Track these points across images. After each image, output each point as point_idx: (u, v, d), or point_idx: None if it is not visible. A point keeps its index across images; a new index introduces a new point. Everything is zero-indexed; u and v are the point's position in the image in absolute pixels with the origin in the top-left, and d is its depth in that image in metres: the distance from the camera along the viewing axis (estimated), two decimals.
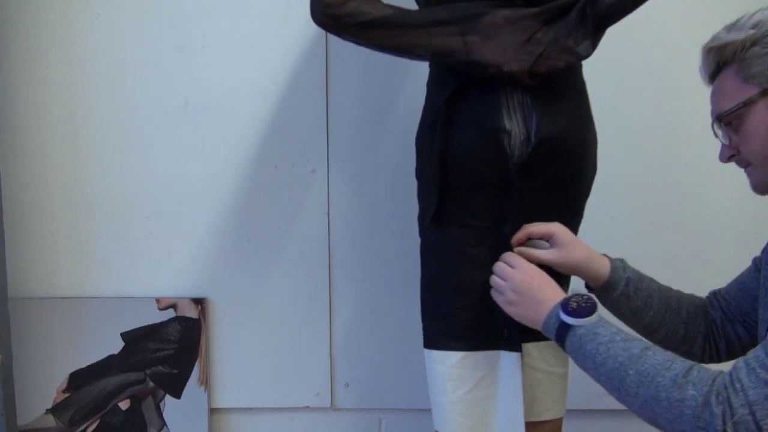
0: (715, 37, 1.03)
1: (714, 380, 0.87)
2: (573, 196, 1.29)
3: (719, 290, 1.23)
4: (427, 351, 1.32)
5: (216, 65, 1.64)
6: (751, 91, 0.97)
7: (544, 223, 1.22)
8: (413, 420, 1.74)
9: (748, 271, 1.18)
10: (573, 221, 1.31)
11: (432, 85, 1.32)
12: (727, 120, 1.00)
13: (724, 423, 0.83)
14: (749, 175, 1.03)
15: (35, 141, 1.66)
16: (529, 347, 1.28)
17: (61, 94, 1.65)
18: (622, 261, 1.22)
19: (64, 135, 1.66)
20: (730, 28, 1.01)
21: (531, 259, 1.19)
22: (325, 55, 1.64)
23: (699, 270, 1.68)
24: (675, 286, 1.26)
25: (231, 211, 1.68)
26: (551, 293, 1.11)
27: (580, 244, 1.20)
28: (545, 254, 1.19)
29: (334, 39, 1.59)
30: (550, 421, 1.31)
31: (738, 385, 0.84)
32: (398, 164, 1.67)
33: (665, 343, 1.18)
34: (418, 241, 1.53)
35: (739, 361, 0.88)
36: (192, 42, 1.64)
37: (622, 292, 1.18)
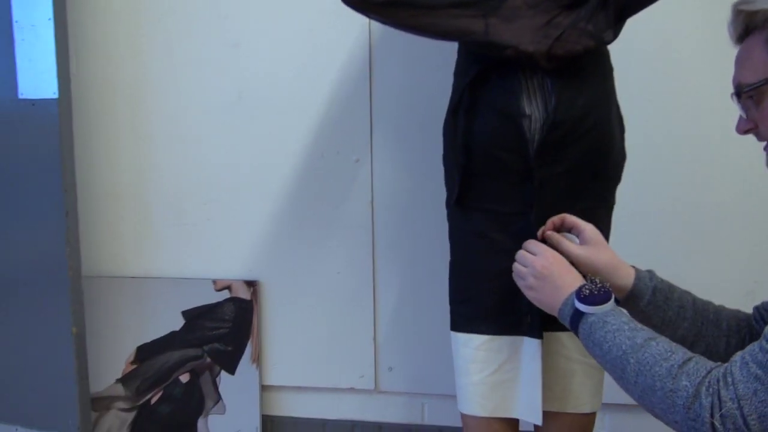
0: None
1: (709, 372, 0.85)
2: (600, 180, 1.28)
3: (762, 303, 1.16)
4: (453, 333, 1.36)
5: (267, 61, 1.74)
6: None
7: (578, 219, 1.20)
8: (456, 406, 1.76)
9: None
10: (602, 207, 1.30)
11: (457, 73, 1.35)
12: (748, 94, 0.94)
13: (712, 415, 0.82)
14: (767, 152, 0.98)
15: (105, 133, 1.82)
16: (563, 337, 1.28)
17: (127, 90, 1.80)
18: (649, 271, 1.17)
19: (130, 128, 1.81)
20: None
21: (558, 248, 1.18)
22: (369, 49, 1.70)
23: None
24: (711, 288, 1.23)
25: (281, 198, 1.77)
26: (570, 280, 1.10)
27: (608, 249, 1.18)
28: (572, 247, 1.17)
29: (376, 33, 1.67)
30: (590, 414, 1.32)
31: (730, 379, 0.83)
32: (439, 153, 1.70)
33: (707, 358, 1.15)
34: None
35: (736, 355, 0.86)
36: (246, 39, 1.74)
37: (650, 301, 1.13)
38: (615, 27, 1.20)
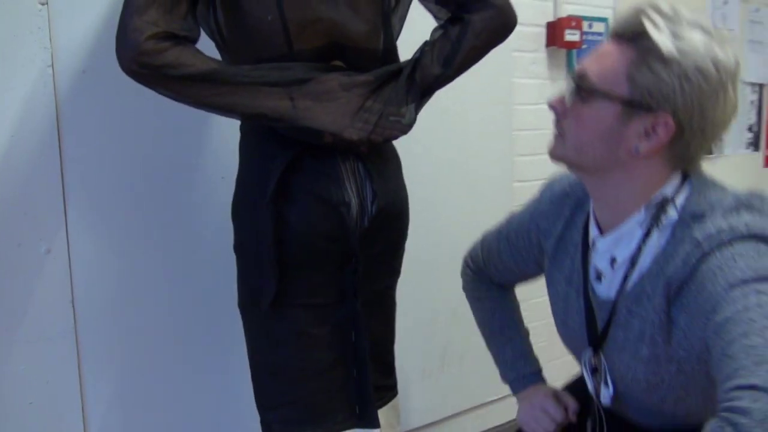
0: (656, 15, 0.88)
1: None
2: (399, 255, 1.29)
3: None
4: None
5: None
6: (623, 91, 0.89)
7: None
8: None
9: None
10: (396, 278, 1.32)
11: (251, 153, 1.18)
12: (585, 89, 0.92)
13: None
14: (554, 139, 0.98)
15: None
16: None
17: None
18: None
19: None
20: (674, 27, 0.88)
21: None
22: (55, 106, 1.31)
23: None
24: None
25: None
26: None
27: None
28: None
29: (64, 88, 1.30)
30: None
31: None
32: (157, 236, 1.43)
33: None
34: (191, 329, 1.46)
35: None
36: None
37: None
38: (418, 103, 1.20)
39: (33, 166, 1.30)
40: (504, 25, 1.20)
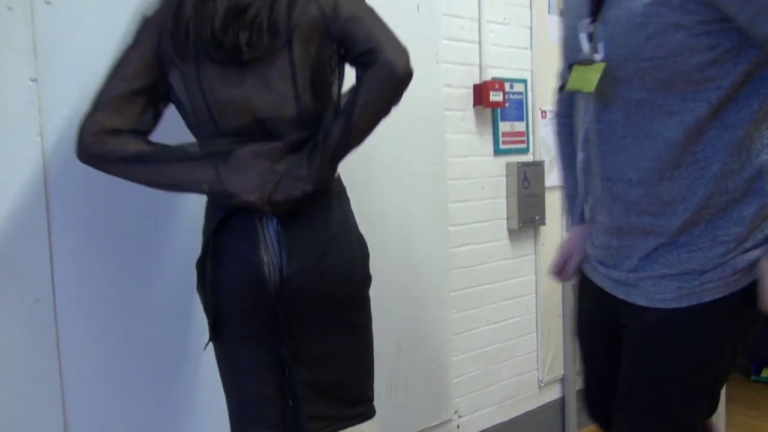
0: None
1: None
2: (345, 306, 1.38)
3: None
4: None
5: None
6: None
7: None
8: None
9: None
10: (357, 330, 1.43)
11: (205, 214, 1.38)
12: None
13: None
14: None
15: None
16: None
17: None
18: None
19: None
20: None
21: None
22: (43, 171, 1.46)
23: None
24: None
25: None
26: None
27: None
28: None
29: (50, 152, 1.46)
30: None
31: None
32: (137, 283, 1.58)
33: None
34: (164, 373, 1.62)
35: None
36: None
37: None
38: (329, 168, 1.31)
39: (23, 226, 1.44)
40: (389, 76, 1.24)
